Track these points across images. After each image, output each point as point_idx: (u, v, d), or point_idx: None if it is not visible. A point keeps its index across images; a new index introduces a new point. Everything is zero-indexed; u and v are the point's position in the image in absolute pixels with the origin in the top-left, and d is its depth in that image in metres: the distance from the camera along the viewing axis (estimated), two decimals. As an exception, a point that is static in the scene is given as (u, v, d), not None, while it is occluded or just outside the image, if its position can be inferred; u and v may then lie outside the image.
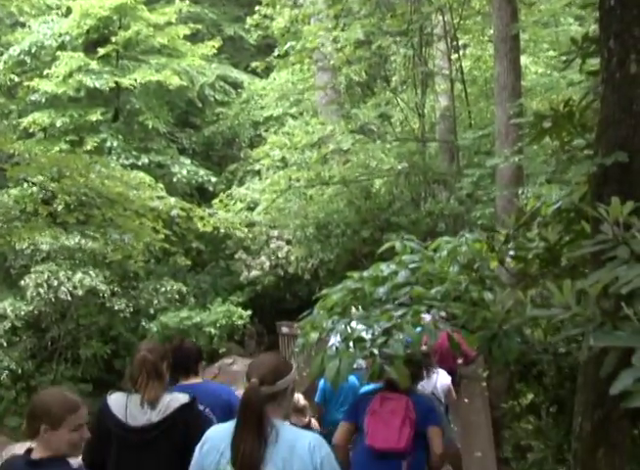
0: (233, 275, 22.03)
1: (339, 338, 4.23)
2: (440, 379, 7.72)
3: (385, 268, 4.69)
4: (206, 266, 22.64)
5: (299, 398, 7.29)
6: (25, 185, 14.18)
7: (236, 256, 21.60)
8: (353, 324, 4.27)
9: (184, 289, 20.42)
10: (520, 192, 13.59)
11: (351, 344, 4.07)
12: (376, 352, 3.85)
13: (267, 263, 20.88)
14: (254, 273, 21.01)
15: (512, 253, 4.42)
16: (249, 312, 20.14)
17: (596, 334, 2.87)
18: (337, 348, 4.06)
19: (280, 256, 20.82)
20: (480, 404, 9.07)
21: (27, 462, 3.44)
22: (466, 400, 9.18)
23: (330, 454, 3.46)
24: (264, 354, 3.80)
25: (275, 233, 21.11)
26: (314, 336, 4.35)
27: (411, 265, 4.64)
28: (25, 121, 20.62)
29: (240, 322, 19.65)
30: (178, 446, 3.91)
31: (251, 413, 3.33)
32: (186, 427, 4.06)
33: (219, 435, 3.51)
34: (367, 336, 4.10)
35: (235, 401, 4.65)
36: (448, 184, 18.65)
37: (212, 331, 19.66)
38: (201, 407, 4.58)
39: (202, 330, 19.73)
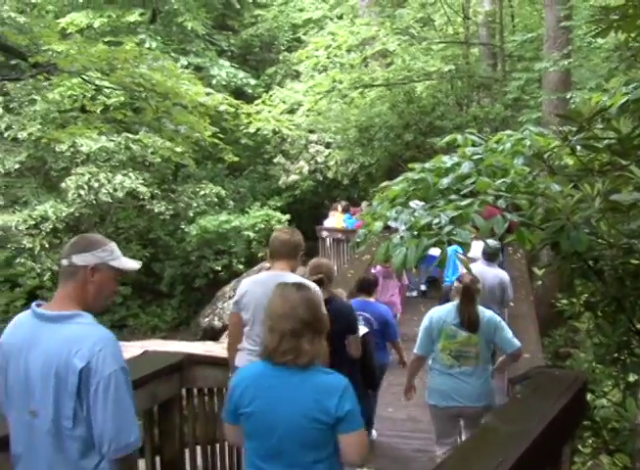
0: (271, 180, 21.99)
1: (403, 227, 4.14)
2: None
3: (447, 160, 4.58)
4: (244, 171, 22.60)
5: None
6: (74, 81, 13.90)
7: (274, 160, 21.49)
8: (417, 214, 4.18)
9: (223, 192, 20.42)
10: (568, 97, 13.40)
11: (416, 232, 3.99)
12: (445, 239, 3.76)
13: (306, 168, 20.76)
14: (293, 178, 20.94)
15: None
16: (287, 217, 20.17)
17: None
18: (402, 236, 3.98)
19: (319, 160, 20.69)
20: (527, 308, 9.20)
21: None
22: (511, 304, 9.28)
23: None
24: None
25: (314, 137, 20.91)
26: (378, 225, 4.28)
27: (474, 157, 4.53)
28: (63, 22, 20.29)
29: (278, 226, 19.62)
30: None
31: None
32: None
33: None
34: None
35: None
36: (492, 89, 18.32)
37: (251, 235, 19.72)
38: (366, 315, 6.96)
39: (240, 234, 19.81)
